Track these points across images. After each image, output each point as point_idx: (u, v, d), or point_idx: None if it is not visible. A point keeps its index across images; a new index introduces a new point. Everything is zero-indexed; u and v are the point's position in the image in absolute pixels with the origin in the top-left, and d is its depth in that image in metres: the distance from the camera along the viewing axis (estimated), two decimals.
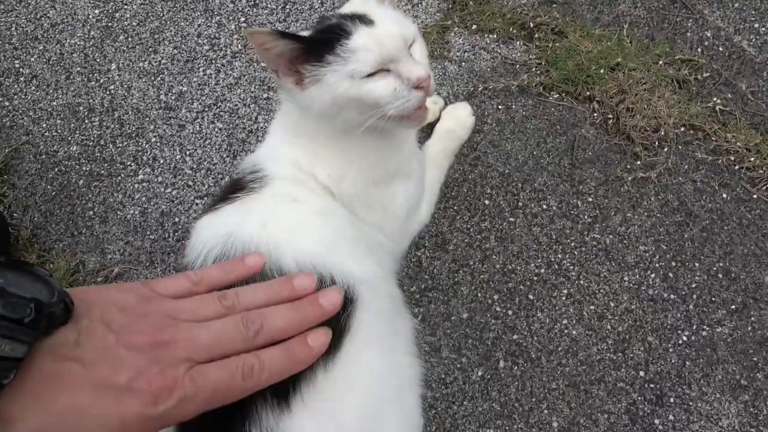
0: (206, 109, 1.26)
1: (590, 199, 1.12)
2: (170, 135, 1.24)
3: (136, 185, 1.21)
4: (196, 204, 1.18)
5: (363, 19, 0.64)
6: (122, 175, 1.22)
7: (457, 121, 1.11)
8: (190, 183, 1.20)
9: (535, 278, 1.06)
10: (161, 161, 1.22)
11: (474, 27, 1.29)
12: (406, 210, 0.79)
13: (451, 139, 1.09)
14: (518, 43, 1.27)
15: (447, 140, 1.08)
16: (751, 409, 0.95)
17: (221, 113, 1.25)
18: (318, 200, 0.68)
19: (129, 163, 1.23)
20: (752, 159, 1.12)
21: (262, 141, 1.16)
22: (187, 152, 1.23)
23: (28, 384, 0.33)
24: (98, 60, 1.33)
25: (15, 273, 0.34)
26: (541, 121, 1.19)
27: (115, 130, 1.26)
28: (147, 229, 1.17)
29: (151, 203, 1.19)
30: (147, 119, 1.26)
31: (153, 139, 1.24)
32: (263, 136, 1.24)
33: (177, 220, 1.17)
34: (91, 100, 1.29)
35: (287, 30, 1.10)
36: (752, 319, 1.02)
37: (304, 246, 0.59)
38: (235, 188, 0.67)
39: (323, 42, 0.62)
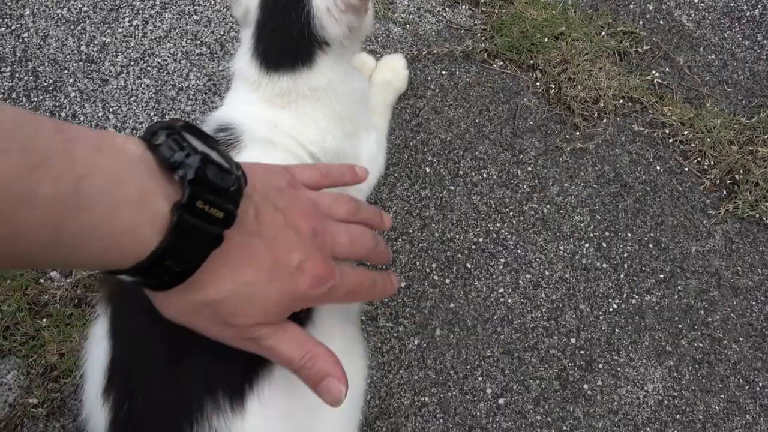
0: (132, 64, 1.17)
1: (530, 169, 1.12)
2: (92, 90, 1.15)
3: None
4: None
5: None
6: None
7: (393, 72, 1.09)
8: None
9: (474, 247, 1.05)
10: (82, 118, 1.13)
11: None
12: (372, 161, 0.82)
13: (388, 91, 1.07)
14: (464, 7, 1.24)
15: (385, 92, 1.06)
16: (675, 374, 0.99)
17: (149, 68, 1.17)
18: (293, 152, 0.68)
19: None
20: (685, 133, 1.14)
21: (197, 101, 1.09)
22: (111, 109, 1.14)
23: (221, 252, 0.33)
24: (10, 4, 1.21)
25: (213, 146, 0.35)
26: (484, 89, 1.17)
27: (29, 82, 1.15)
28: None
29: None
30: (66, 72, 1.16)
31: (72, 94, 1.15)
32: (195, 95, 1.17)
33: None
34: (1, 49, 1.17)
35: None
36: (679, 288, 1.05)
37: None
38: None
39: None
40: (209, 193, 0.32)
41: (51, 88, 1.15)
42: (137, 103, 1.15)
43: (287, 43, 0.68)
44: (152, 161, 0.32)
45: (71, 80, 1.16)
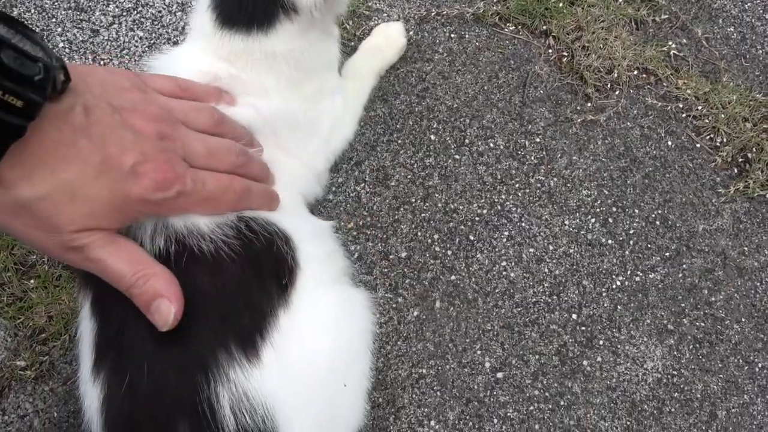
0: (124, 14, 1.11)
1: (538, 140, 1.08)
2: (81, 41, 1.09)
3: None
4: None
5: None
6: None
7: (386, 38, 1.04)
8: None
9: (477, 219, 1.03)
10: None
11: None
12: (336, 125, 0.79)
13: (376, 57, 1.02)
14: None
15: (372, 58, 1.01)
16: (675, 353, 0.98)
17: (142, 20, 1.10)
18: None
19: None
20: (699, 108, 1.10)
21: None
22: (102, 62, 1.08)
23: (36, 149, 0.31)
24: None
25: (23, 32, 0.32)
26: (494, 54, 1.13)
27: None
28: None
29: None
30: (54, 20, 1.10)
31: (61, 44, 1.08)
32: None
33: None
34: None
35: None
36: (684, 266, 1.03)
37: None
38: None
39: None
40: (5, 80, 0.29)
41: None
42: (129, 56, 1.09)
43: (247, 2, 0.63)
44: None
45: (59, 29, 1.09)
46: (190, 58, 0.65)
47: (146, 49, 1.09)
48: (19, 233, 0.35)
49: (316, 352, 0.54)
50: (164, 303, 0.38)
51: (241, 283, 0.49)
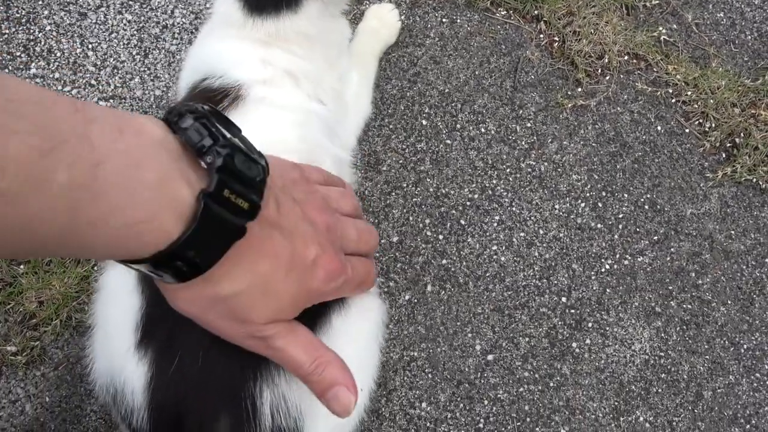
0: None
1: (529, 125, 1.08)
2: (69, 24, 1.07)
3: (28, 80, 1.05)
4: (100, 106, 1.04)
5: None
6: (10, 67, 1.05)
7: (381, 20, 1.04)
8: (93, 82, 1.05)
9: (468, 203, 1.03)
10: (58, 54, 1.06)
11: None
12: (355, 102, 0.84)
13: (376, 40, 1.03)
14: None
15: (370, 40, 1.02)
16: (662, 335, 1.00)
17: (130, 3, 1.09)
18: (297, 105, 0.65)
19: (18, 53, 1.06)
20: (689, 93, 1.11)
21: (182, 40, 1.02)
22: (90, 46, 1.07)
23: (241, 245, 0.32)
24: None
25: (238, 132, 0.33)
26: (486, 39, 1.12)
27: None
28: None
29: None
30: (40, 3, 1.08)
31: (48, 28, 1.07)
32: (180, 33, 1.10)
33: None
34: None
35: None
36: (672, 250, 1.05)
37: None
38: (209, 101, 0.60)
39: None
40: (236, 182, 0.30)
41: (24, 20, 1.07)
42: (118, 40, 1.08)
43: None
44: (174, 145, 0.30)
45: (46, 12, 1.08)
46: (238, 49, 0.65)
47: (135, 32, 1.08)
48: (208, 322, 0.36)
49: (350, 356, 0.56)
50: (342, 391, 0.38)
51: None
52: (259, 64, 0.64)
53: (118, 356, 0.50)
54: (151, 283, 0.47)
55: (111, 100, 1.05)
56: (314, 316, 0.51)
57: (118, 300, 0.51)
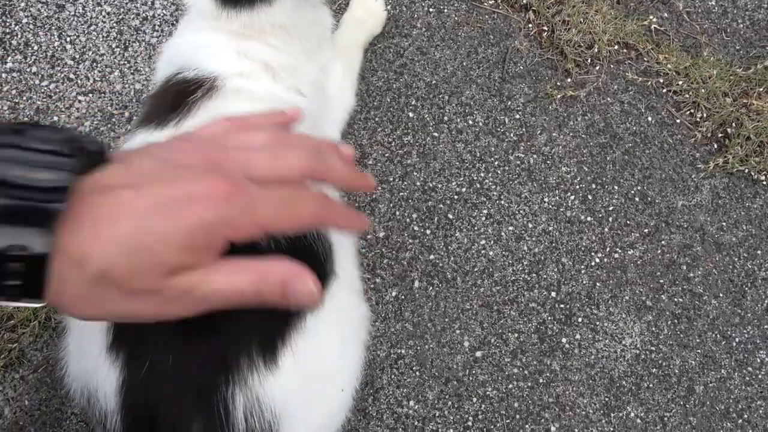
0: None
1: (517, 116, 1.06)
2: (46, 16, 1.05)
3: (4, 75, 1.02)
4: (79, 101, 1.02)
5: None
6: None
7: (366, 10, 1.02)
8: (72, 76, 1.03)
9: (456, 197, 1.01)
10: (35, 47, 1.03)
11: None
12: (338, 92, 0.82)
13: (361, 30, 1.00)
14: None
15: (355, 30, 1.00)
16: (653, 329, 0.98)
17: None
18: (275, 97, 0.63)
19: None
20: (680, 83, 1.09)
21: (163, 32, 1.00)
22: (68, 39, 1.04)
23: (86, 219, 0.30)
24: None
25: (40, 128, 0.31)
26: (473, 29, 1.10)
27: None
28: None
29: (24, 97, 1.01)
30: None
31: (24, 20, 1.04)
32: (161, 25, 1.08)
33: (56, 119, 1.01)
34: None
35: None
36: (662, 242, 1.03)
37: None
38: (180, 98, 0.58)
39: None
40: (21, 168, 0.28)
41: (0, 12, 1.04)
42: (97, 32, 1.05)
43: None
44: None
45: (23, 4, 1.05)
46: (213, 41, 0.63)
47: (114, 24, 1.05)
48: (116, 313, 0.33)
49: (328, 357, 0.55)
50: (295, 283, 0.34)
51: None
52: (235, 56, 0.63)
53: (90, 359, 0.49)
54: None
55: (90, 95, 1.02)
56: (287, 317, 0.50)
57: None
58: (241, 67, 0.62)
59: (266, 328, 0.48)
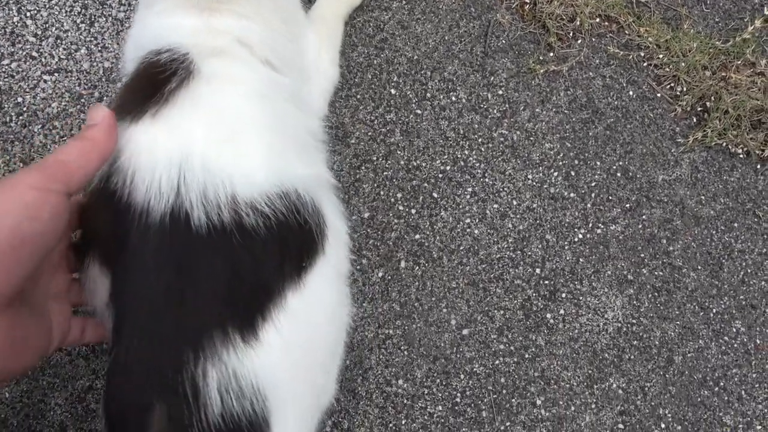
0: None
1: (500, 92, 1.05)
2: None
3: None
4: (44, 81, 0.96)
5: None
6: None
7: None
8: (35, 54, 0.97)
9: (440, 176, 1.00)
10: None
11: None
12: (318, 66, 0.80)
13: (339, 2, 0.96)
14: None
15: (336, 1, 0.96)
16: (634, 302, 1.00)
17: None
18: (254, 74, 0.60)
19: None
20: (661, 56, 1.09)
21: (130, 6, 0.95)
22: (28, 14, 0.98)
23: None
24: None
25: None
26: (454, 2, 1.08)
27: None
28: None
29: None
30: None
31: None
32: None
33: (20, 100, 0.96)
34: None
35: None
36: (643, 217, 1.04)
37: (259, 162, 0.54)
38: (156, 80, 0.54)
39: None
40: None
41: None
42: (60, 7, 0.99)
43: None
44: None
45: None
46: (180, 18, 0.59)
47: None
48: None
49: (314, 335, 0.54)
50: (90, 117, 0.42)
51: (257, 260, 0.47)
52: (205, 32, 0.58)
53: None
54: (111, 261, 0.48)
55: (56, 74, 0.97)
56: (270, 295, 0.48)
57: (96, 283, 0.49)
58: (213, 44, 0.58)
59: (241, 303, 0.46)
